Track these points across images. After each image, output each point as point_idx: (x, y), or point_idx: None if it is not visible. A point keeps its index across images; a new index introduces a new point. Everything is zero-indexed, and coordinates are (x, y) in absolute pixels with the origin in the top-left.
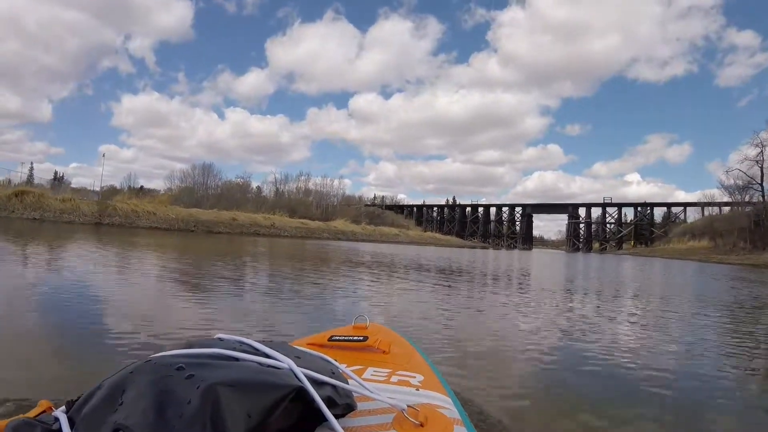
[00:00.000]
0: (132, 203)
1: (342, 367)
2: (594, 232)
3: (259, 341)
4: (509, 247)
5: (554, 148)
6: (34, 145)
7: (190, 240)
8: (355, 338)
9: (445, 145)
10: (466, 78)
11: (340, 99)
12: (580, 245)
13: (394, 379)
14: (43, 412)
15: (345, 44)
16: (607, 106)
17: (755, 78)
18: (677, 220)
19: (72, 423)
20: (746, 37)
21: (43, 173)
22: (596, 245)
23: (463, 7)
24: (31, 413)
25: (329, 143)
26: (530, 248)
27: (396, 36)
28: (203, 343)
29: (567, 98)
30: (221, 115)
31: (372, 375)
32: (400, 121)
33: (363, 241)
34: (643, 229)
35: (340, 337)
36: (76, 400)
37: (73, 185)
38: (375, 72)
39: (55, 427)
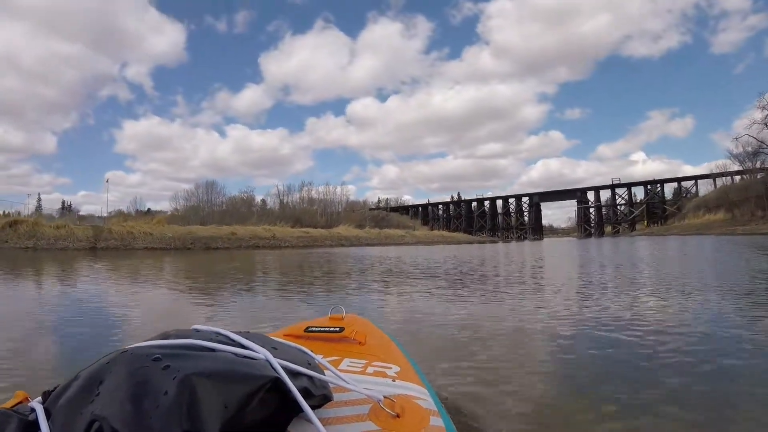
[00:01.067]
0: (128, 225)
1: (318, 358)
2: (605, 216)
3: (235, 332)
4: (519, 238)
5: (556, 135)
6: (41, 177)
7: (181, 258)
8: (332, 329)
9: (446, 143)
10: (461, 73)
11: (337, 106)
12: (592, 230)
13: (370, 370)
14: (20, 402)
15: (337, 52)
16: (604, 87)
17: (750, 41)
18: (689, 195)
19: (48, 414)
20: (737, 1)
21: (52, 203)
22: (608, 229)
23: (450, 3)
24: (8, 404)
25: (330, 151)
26: (541, 238)
27: (386, 38)
28: (179, 334)
29: (563, 83)
30: (222, 133)
31: (348, 366)
32: (398, 122)
33: (368, 245)
34: (655, 208)
35: (316, 328)
36: (53, 391)
37: (81, 213)
38: (369, 76)
39: (31, 417)
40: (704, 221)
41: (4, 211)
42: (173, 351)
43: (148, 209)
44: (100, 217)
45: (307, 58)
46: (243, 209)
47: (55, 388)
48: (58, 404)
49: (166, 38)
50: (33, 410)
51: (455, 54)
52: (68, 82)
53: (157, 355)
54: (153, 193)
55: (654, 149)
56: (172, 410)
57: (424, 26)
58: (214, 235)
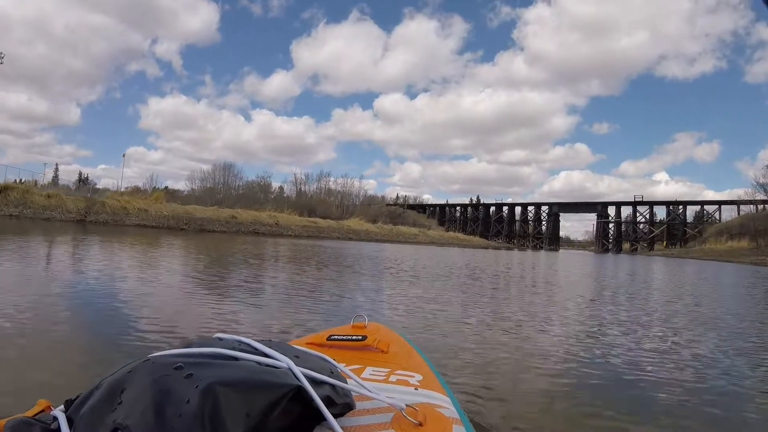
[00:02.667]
0: (123, 200)
1: (341, 366)
2: (624, 232)
3: (258, 341)
4: (535, 247)
5: (582, 147)
6: (63, 147)
7: (157, 238)
8: (354, 337)
9: (471, 145)
10: (492, 77)
11: (366, 100)
12: (610, 246)
13: (392, 378)
14: (42, 411)
15: (370, 45)
16: (635, 105)
17: None
18: (710, 220)
19: (71, 422)
20: None
21: (70, 175)
22: (626, 246)
23: (488, 6)
24: (30, 412)
25: (355, 144)
26: (557, 249)
27: (421, 36)
28: (202, 342)
29: (594, 97)
30: (247, 117)
31: (371, 374)
32: (425, 121)
33: (377, 241)
34: (675, 229)
35: (338, 337)
36: (75, 399)
37: (98, 186)
38: (400, 72)
39: (53, 426)
40: (726, 248)
41: (20, 179)
42: (196, 360)
43: (166, 187)
44: (116, 192)
45: (340, 48)
46: (260, 194)
47: (78, 396)
48: (81, 412)
49: (199, 17)
50: (55, 419)
51: (489, 57)
52: (97, 53)
53: (180, 364)
54: (173, 171)
55: (678, 171)
56: (195, 419)
57: (460, 27)
58: (211, 217)
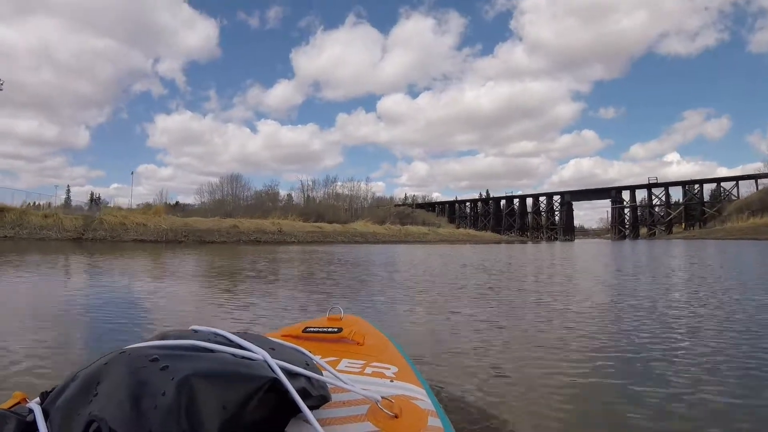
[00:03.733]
0: (120, 215)
1: (316, 358)
2: (639, 217)
3: (233, 333)
4: (549, 239)
5: (589, 134)
6: (74, 170)
7: (137, 255)
8: (330, 330)
9: (477, 140)
10: (493, 70)
11: (368, 102)
12: (627, 232)
13: (368, 370)
14: (18, 403)
15: (368, 47)
16: (640, 86)
17: None
18: (727, 198)
19: (46, 414)
20: None
21: (83, 196)
22: (643, 231)
23: None
24: (5, 405)
25: (360, 147)
26: (572, 239)
27: (418, 34)
28: (178, 334)
29: (598, 81)
30: (253, 129)
31: (346, 366)
32: (428, 119)
33: (385, 242)
34: (692, 210)
35: (314, 329)
36: (51, 391)
37: (110, 205)
38: (400, 72)
39: (29, 418)
40: (749, 225)
41: (33, 203)
42: (172, 351)
43: (176, 202)
44: (128, 210)
45: (338, 53)
46: (268, 203)
47: (53, 388)
48: (56, 405)
49: (198, 34)
50: (31, 411)
51: (488, 50)
52: (102, 76)
53: (156, 356)
54: (184, 186)
55: (688, 150)
56: (171, 411)
57: (456, 22)
58: (212, 228)
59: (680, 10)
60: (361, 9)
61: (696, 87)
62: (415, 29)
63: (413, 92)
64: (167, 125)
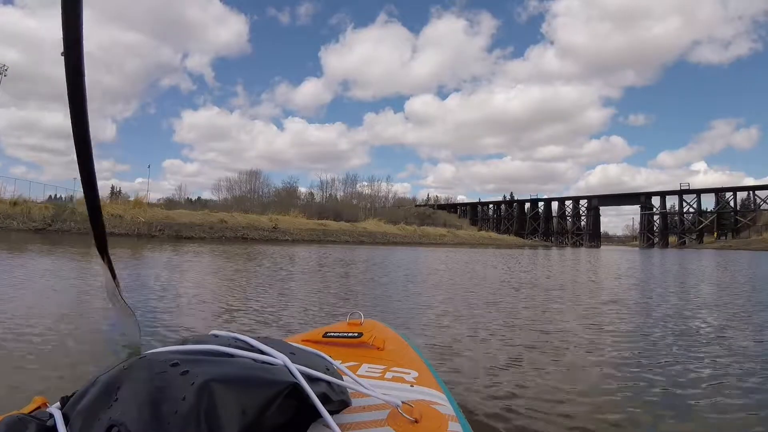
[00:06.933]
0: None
1: (337, 363)
2: (669, 225)
3: (254, 337)
4: (575, 245)
5: (617, 140)
6: (101, 163)
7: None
8: (350, 334)
9: (504, 143)
10: (523, 73)
11: (396, 102)
12: (655, 240)
13: (388, 375)
14: (38, 408)
15: (398, 47)
16: (670, 93)
17: None
18: (757, 207)
19: (66, 419)
20: None
21: (105, 190)
22: (672, 239)
23: (516, 0)
24: (26, 409)
25: (387, 148)
26: (598, 245)
27: (449, 35)
28: (198, 339)
29: (629, 87)
30: (280, 126)
31: (367, 371)
32: (457, 121)
33: (396, 244)
34: (725, 219)
35: (334, 334)
36: (71, 396)
37: (131, 199)
38: (430, 73)
39: (49, 423)
40: None
41: (55, 194)
42: (192, 356)
43: (198, 198)
44: (149, 204)
45: (368, 52)
46: (287, 201)
47: (74, 393)
48: (77, 409)
49: (228, 30)
50: (51, 416)
51: (519, 53)
52: (131, 70)
53: (176, 361)
54: (210, 182)
55: (716, 160)
56: (191, 416)
57: (488, 23)
58: (193, 222)
59: (714, 19)
60: (393, 7)
61: (726, 96)
62: (447, 29)
63: (442, 93)
64: (194, 120)
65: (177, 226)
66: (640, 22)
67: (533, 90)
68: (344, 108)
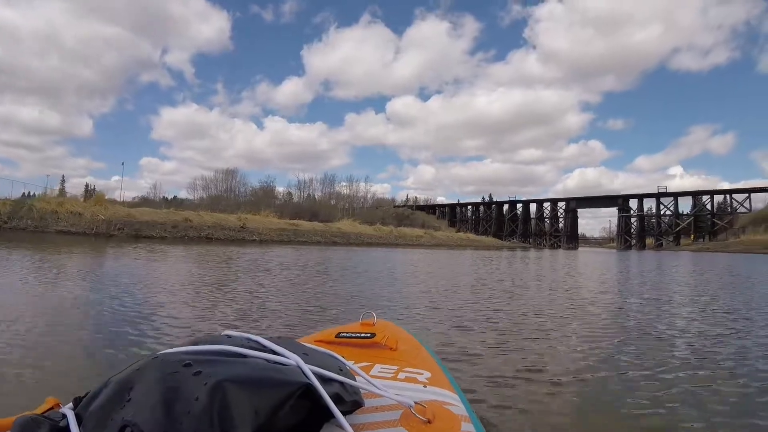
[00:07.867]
0: (55, 202)
1: (349, 363)
2: (646, 227)
3: (266, 338)
4: (552, 246)
5: (596, 144)
6: (76, 160)
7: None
8: (363, 335)
9: (484, 146)
10: (505, 76)
11: (378, 103)
12: (633, 242)
13: (401, 375)
14: (51, 408)
15: (381, 47)
16: (649, 99)
17: None
18: (734, 210)
19: (79, 419)
20: None
21: (80, 188)
22: (649, 241)
23: (499, 3)
24: (39, 410)
25: (368, 148)
26: (576, 247)
27: (433, 37)
28: (211, 339)
29: (609, 92)
30: (260, 125)
31: (379, 372)
32: (438, 123)
33: (371, 245)
34: (701, 221)
35: (347, 334)
36: (84, 397)
37: (109, 198)
38: (412, 74)
39: (62, 423)
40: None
41: (27, 192)
42: (204, 357)
43: (174, 197)
44: (122, 202)
45: (351, 52)
46: (264, 200)
47: (86, 394)
48: (89, 410)
49: (210, 26)
50: (64, 416)
51: (501, 56)
52: (109, 64)
53: (188, 361)
54: (187, 181)
55: (693, 164)
56: (203, 416)
57: (471, 26)
58: (155, 221)
59: (694, 27)
60: (377, 8)
61: (704, 103)
62: (430, 31)
63: (424, 95)
64: (173, 117)
65: (138, 224)
66: (622, 28)
67: (514, 93)
68: (325, 108)
